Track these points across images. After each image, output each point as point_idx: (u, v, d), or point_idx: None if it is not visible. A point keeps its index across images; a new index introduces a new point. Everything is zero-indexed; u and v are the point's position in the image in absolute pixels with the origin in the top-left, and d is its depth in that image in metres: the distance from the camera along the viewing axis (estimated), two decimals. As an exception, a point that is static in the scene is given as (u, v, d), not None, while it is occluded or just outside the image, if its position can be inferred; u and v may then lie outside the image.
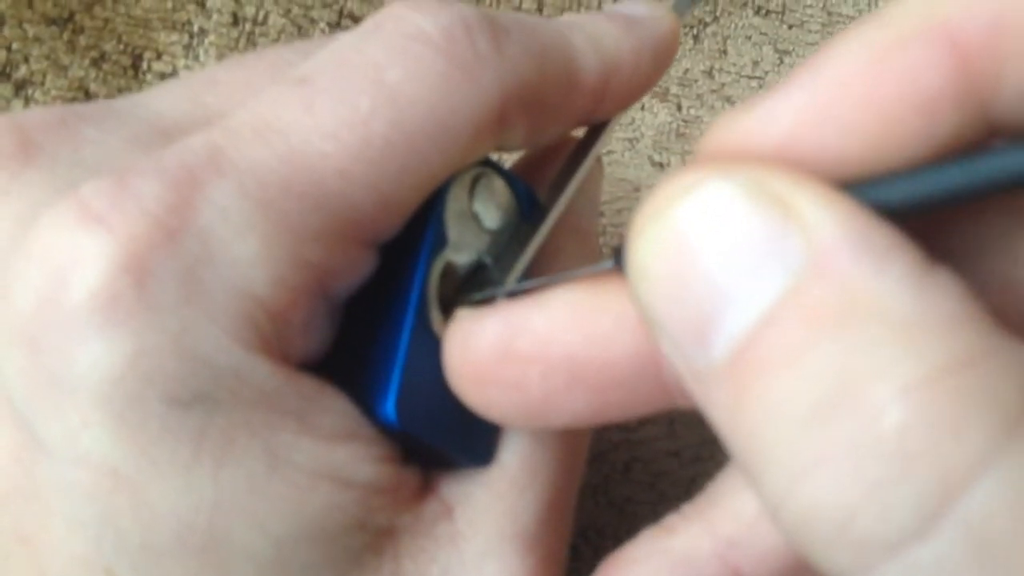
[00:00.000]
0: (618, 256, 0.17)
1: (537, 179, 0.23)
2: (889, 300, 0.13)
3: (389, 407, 0.19)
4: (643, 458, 0.31)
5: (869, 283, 0.13)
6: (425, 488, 0.20)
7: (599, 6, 0.35)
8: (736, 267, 0.14)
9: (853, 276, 0.13)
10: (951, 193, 0.14)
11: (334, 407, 0.18)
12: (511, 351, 0.18)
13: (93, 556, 0.17)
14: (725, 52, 0.36)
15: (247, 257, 0.17)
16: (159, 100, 0.21)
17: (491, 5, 0.34)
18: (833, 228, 0.13)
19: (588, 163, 0.23)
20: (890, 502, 0.12)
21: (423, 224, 0.20)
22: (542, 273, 0.21)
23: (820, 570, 0.13)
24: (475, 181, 0.21)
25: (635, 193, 0.34)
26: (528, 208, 0.22)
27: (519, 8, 0.35)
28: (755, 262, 0.14)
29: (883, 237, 0.13)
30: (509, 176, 0.22)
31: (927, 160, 0.14)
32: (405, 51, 0.18)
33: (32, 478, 0.17)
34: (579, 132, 0.24)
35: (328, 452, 0.18)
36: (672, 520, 0.20)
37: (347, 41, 0.19)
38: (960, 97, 0.14)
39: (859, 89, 0.14)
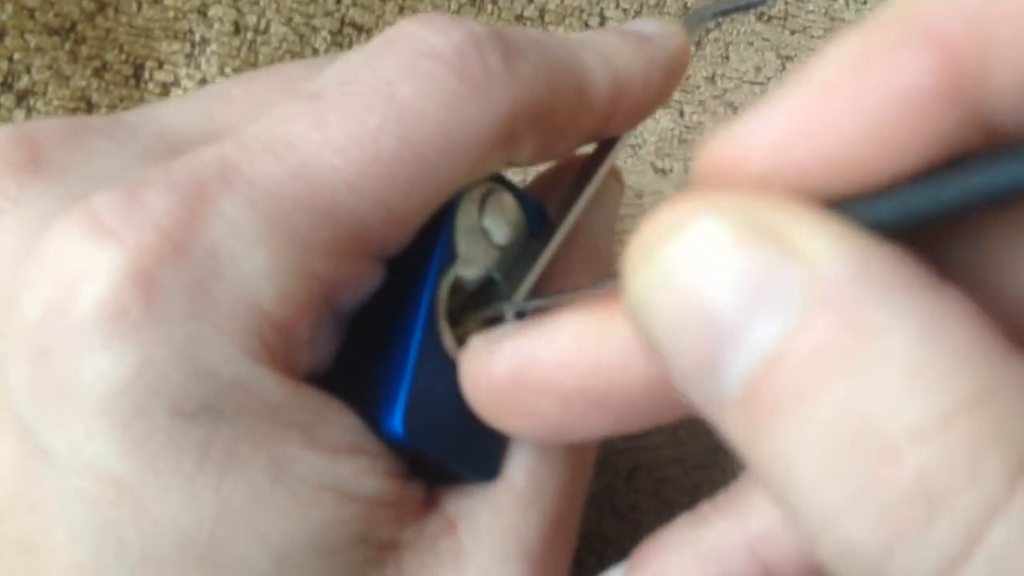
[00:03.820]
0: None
1: (548, 196, 0.23)
2: (896, 336, 0.13)
3: (396, 421, 0.19)
4: (647, 465, 0.31)
5: (874, 317, 0.13)
6: (429, 503, 0.20)
7: (600, 15, 0.35)
8: (737, 305, 0.13)
9: (857, 310, 0.13)
10: (951, 206, 0.14)
11: (339, 420, 0.18)
12: (524, 384, 0.18)
13: (94, 566, 0.17)
14: (727, 58, 0.36)
15: (255, 270, 0.17)
16: (170, 114, 0.21)
17: (492, 14, 0.34)
18: (833, 260, 0.13)
19: (597, 179, 0.23)
20: (921, 544, 0.12)
21: (433, 239, 0.20)
22: (552, 290, 0.21)
23: None
24: (485, 197, 0.21)
25: (637, 200, 0.34)
26: (538, 225, 0.22)
27: (521, 16, 0.35)
28: (754, 301, 0.13)
29: (886, 264, 0.13)
30: (519, 192, 0.22)
31: (924, 165, 0.14)
32: (416, 67, 0.18)
33: (35, 488, 0.17)
34: (588, 148, 0.24)
35: (332, 465, 0.18)
36: (705, 509, 0.20)
37: (358, 57, 0.19)
38: (951, 97, 0.14)
39: (846, 95, 0.14)
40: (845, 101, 0.14)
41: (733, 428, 0.14)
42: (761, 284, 0.13)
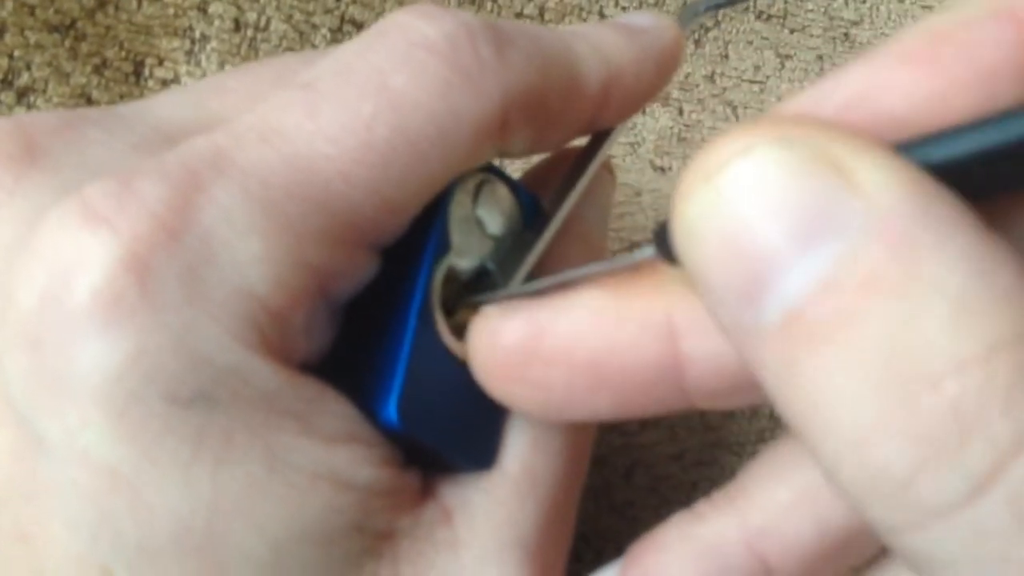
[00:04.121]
0: (659, 240, 0.17)
1: (542, 188, 0.23)
2: (948, 272, 0.13)
3: (391, 409, 0.19)
4: (645, 462, 0.31)
5: (929, 253, 0.13)
6: (425, 492, 0.20)
7: (600, 13, 0.36)
8: (790, 235, 0.14)
9: (913, 245, 0.13)
10: (1014, 144, 0.14)
11: (335, 409, 0.18)
12: (535, 352, 0.18)
13: (90, 555, 0.17)
14: (727, 56, 0.36)
15: (249, 257, 0.17)
16: (164, 106, 0.21)
17: (492, 11, 0.34)
18: (894, 195, 0.13)
19: (591, 171, 0.23)
20: (946, 469, 0.13)
21: (427, 228, 0.20)
22: (544, 277, 0.21)
23: (871, 524, 0.14)
24: (479, 187, 0.21)
25: (636, 198, 0.34)
26: (532, 215, 0.22)
27: (521, 14, 0.35)
28: (810, 230, 0.14)
29: (945, 206, 0.13)
30: (513, 183, 0.22)
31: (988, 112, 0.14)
32: (408, 57, 0.19)
33: (31, 477, 0.17)
34: (582, 141, 0.24)
35: (328, 454, 0.18)
36: (702, 507, 0.20)
37: (351, 48, 0.19)
38: (1022, 73, 0.14)
39: (920, 61, 0.15)
40: (918, 66, 0.15)
41: (766, 360, 0.14)
42: (817, 212, 0.14)
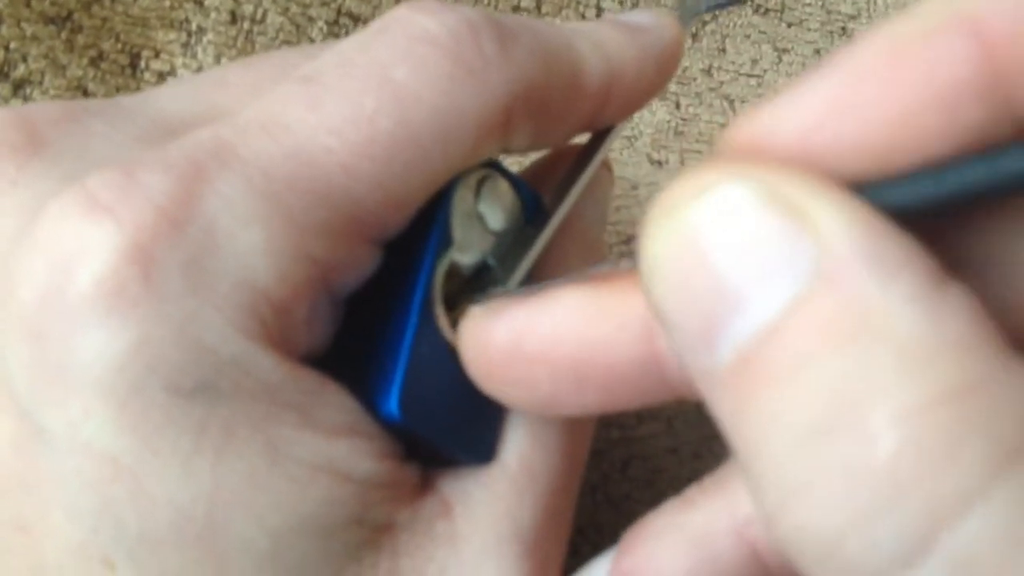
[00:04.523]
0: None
1: (543, 184, 0.23)
2: (896, 319, 0.13)
3: (392, 402, 0.19)
4: (642, 455, 0.31)
5: (878, 298, 0.13)
6: (425, 486, 0.20)
7: (596, 6, 0.35)
8: (746, 272, 0.14)
9: (862, 290, 0.13)
10: (972, 192, 0.14)
11: (336, 402, 0.18)
12: (518, 353, 0.18)
13: (91, 545, 0.17)
14: (724, 50, 0.36)
15: (252, 249, 0.17)
16: (166, 98, 0.21)
17: (489, 5, 0.34)
18: (846, 237, 0.13)
19: (592, 168, 0.23)
20: (878, 530, 0.12)
21: (429, 223, 0.20)
22: (546, 277, 0.21)
23: None
24: (481, 182, 0.21)
25: (633, 191, 0.34)
26: (533, 211, 0.22)
27: (518, 8, 0.35)
28: (765, 268, 0.13)
29: (897, 248, 0.13)
30: (514, 179, 0.22)
31: (949, 156, 0.14)
32: (411, 51, 0.19)
33: (32, 467, 0.17)
34: (582, 139, 0.24)
35: (328, 446, 0.18)
36: (693, 492, 0.20)
37: (354, 42, 0.19)
38: (985, 91, 0.14)
39: (879, 81, 0.14)
40: (878, 87, 0.14)
41: (720, 399, 0.14)
42: (771, 253, 0.13)
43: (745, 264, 0.14)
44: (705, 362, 0.14)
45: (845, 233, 0.13)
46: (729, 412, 0.14)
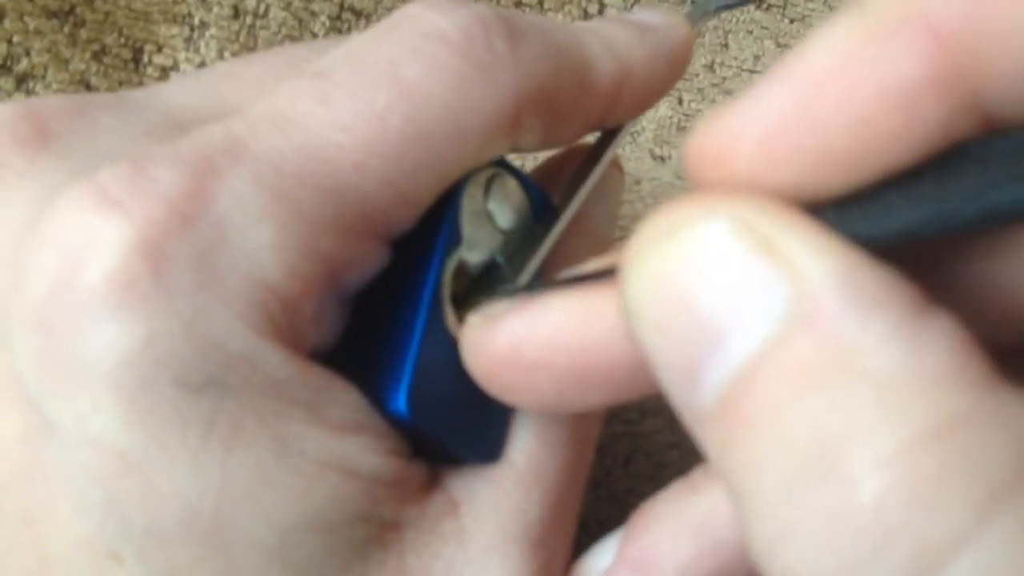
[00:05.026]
0: None
1: (552, 184, 0.23)
2: (875, 357, 0.12)
3: (400, 400, 0.19)
4: (645, 450, 0.31)
5: (855, 336, 0.12)
6: (432, 483, 0.20)
7: (599, 2, 0.35)
8: (724, 311, 0.13)
9: (840, 329, 0.13)
10: (956, 224, 0.13)
11: (344, 398, 0.18)
12: (518, 359, 0.18)
13: (98, 539, 0.17)
14: (726, 46, 0.36)
15: (261, 244, 0.17)
16: (175, 93, 0.21)
17: (492, 1, 0.34)
18: (822, 275, 0.13)
19: (601, 167, 0.23)
20: None
21: (438, 221, 0.20)
22: (555, 274, 0.21)
23: None
24: (490, 181, 0.21)
25: (636, 186, 0.34)
26: (541, 210, 0.22)
27: (520, 4, 0.35)
28: (742, 307, 0.13)
29: (874, 283, 0.13)
30: (523, 178, 0.22)
31: (920, 155, 0.14)
32: (422, 49, 0.19)
33: (40, 461, 0.17)
34: (591, 138, 0.24)
35: (336, 443, 0.18)
36: (697, 475, 0.20)
37: (364, 39, 0.19)
38: (945, 88, 0.13)
39: (835, 85, 0.14)
40: (834, 92, 0.14)
41: (708, 438, 0.14)
42: (747, 292, 0.13)
43: (723, 303, 0.13)
44: (691, 400, 0.14)
45: (821, 270, 0.13)
46: (716, 452, 0.14)
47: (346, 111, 0.18)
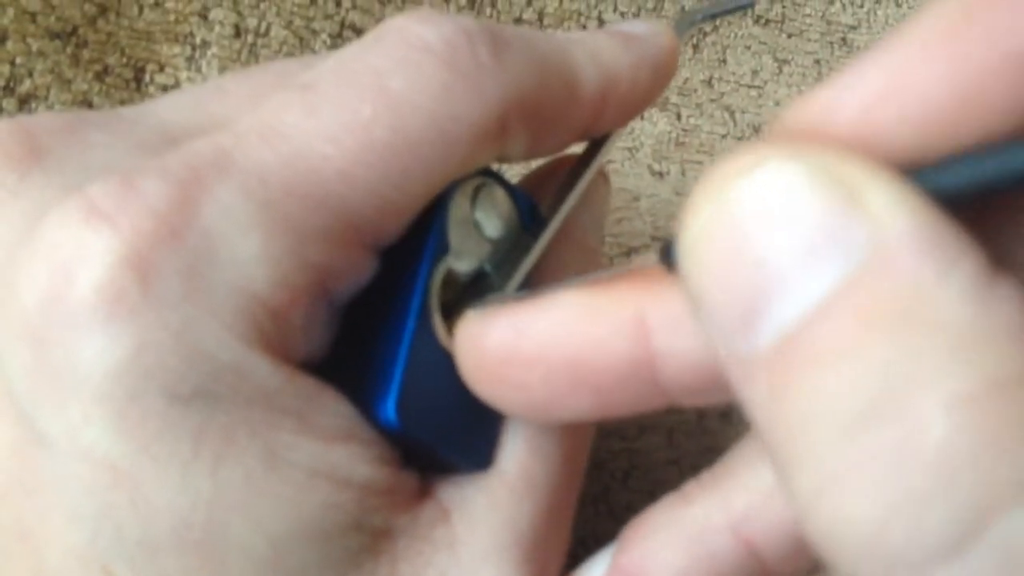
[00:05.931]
0: (665, 255, 0.17)
1: (539, 193, 0.24)
2: (949, 307, 0.12)
3: (390, 409, 0.19)
4: (642, 467, 0.31)
5: (931, 286, 0.13)
6: (423, 492, 0.20)
7: (598, 18, 0.36)
8: (794, 252, 0.13)
9: (916, 276, 0.13)
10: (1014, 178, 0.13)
11: (333, 408, 0.18)
12: (514, 355, 0.18)
13: (90, 551, 0.17)
14: (724, 61, 0.36)
15: (250, 256, 0.17)
16: (165, 108, 0.22)
17: (491, 16, 0.35)
18: (902, 224, 0.13)
19: (588, 176, 0.23)
20: (923, 519, 0.12)
21: (425, 230, 0.20)
22: (542, 284, 0.21)
23: None
24: (477, 190, 0.21)
25: (634, 203, 0.34)
26: (529, 219, 0.22)
27: (520, 19, 0.35)
28: (815, 249, 0.13)
29: (952, 239, 0.13)
30: (511, 187, 0.22)
31: (1021, 130, 0.14)
32: (407, 60, 0.19)
33: (32, 473, 0.17)
34: (579, 148, 0.24)
35: (327, 452, 0.18)
36: (690, 487, 0.20)
37: (350, 51, 0.19)
38: None
39: (945, 54, 0.14)
40: (943, 61, 0.14)
41: (754, 388, 0.14)
42: (824, 232, 0.13)
43: (793, 244, 0.13)
44: (742, 346, 0.14)
45: (903, 218, 0.13)
46: (764, 398, 0.14)
47: (332, 122, 0.18)
